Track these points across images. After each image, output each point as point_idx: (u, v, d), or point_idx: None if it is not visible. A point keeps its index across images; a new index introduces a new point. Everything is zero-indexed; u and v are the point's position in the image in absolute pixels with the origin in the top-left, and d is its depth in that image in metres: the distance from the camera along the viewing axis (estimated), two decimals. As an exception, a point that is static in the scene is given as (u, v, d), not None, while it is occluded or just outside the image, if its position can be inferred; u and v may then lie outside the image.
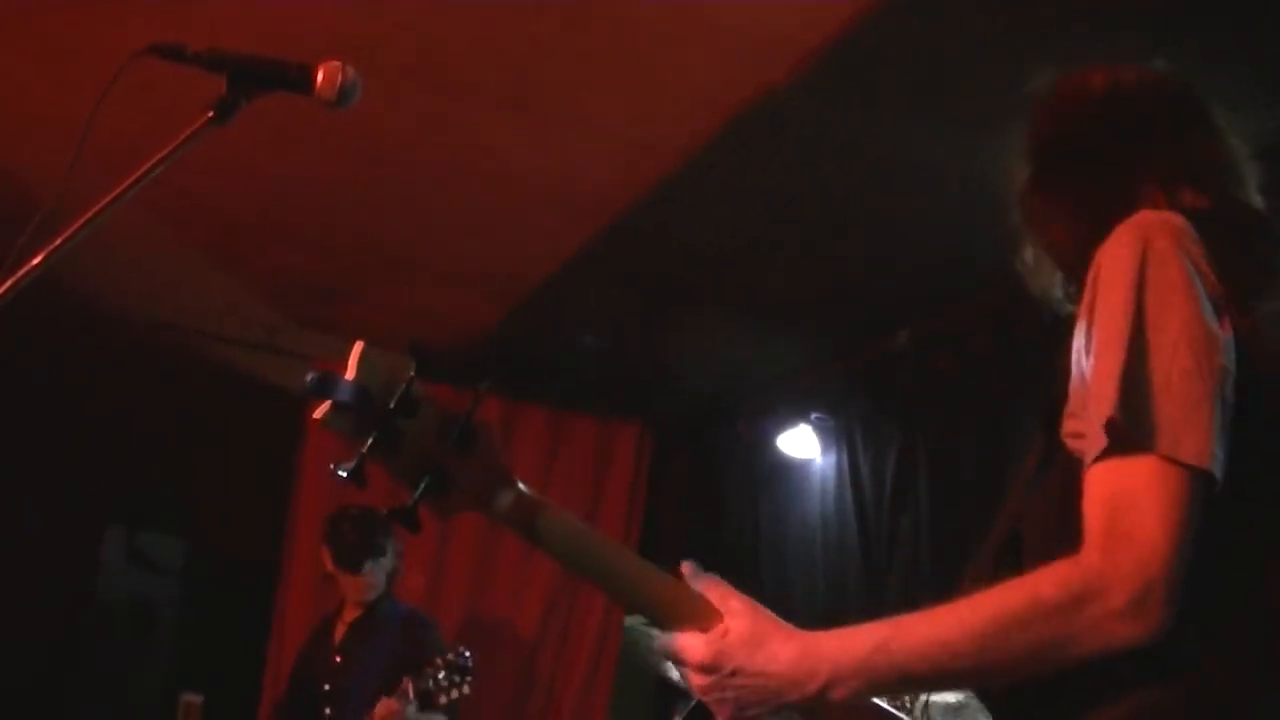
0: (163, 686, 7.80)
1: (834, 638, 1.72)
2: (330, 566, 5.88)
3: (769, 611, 1.80)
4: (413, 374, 1.78)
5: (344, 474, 1.73)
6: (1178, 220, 1.77)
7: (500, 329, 7.17)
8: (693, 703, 5.50)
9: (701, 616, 1.79)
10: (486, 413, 6.94)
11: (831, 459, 6.94)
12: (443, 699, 5.38)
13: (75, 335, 7.18)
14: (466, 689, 5.41)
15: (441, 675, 5.35)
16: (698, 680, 1.77)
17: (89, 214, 1.92)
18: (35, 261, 1.85)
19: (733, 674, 1.73)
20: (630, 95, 4.57)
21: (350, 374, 1.75)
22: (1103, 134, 2.00)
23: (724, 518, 7.82)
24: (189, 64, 1.98)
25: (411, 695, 5.32)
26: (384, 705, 5.36)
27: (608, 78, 4.47)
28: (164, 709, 7.53)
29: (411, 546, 7.47)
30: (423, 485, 1.76)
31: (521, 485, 1.85)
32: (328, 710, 5.73)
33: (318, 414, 1.72)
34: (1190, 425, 1.62)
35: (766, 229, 5.45)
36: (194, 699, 7.63)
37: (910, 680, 1.74)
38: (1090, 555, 1.61)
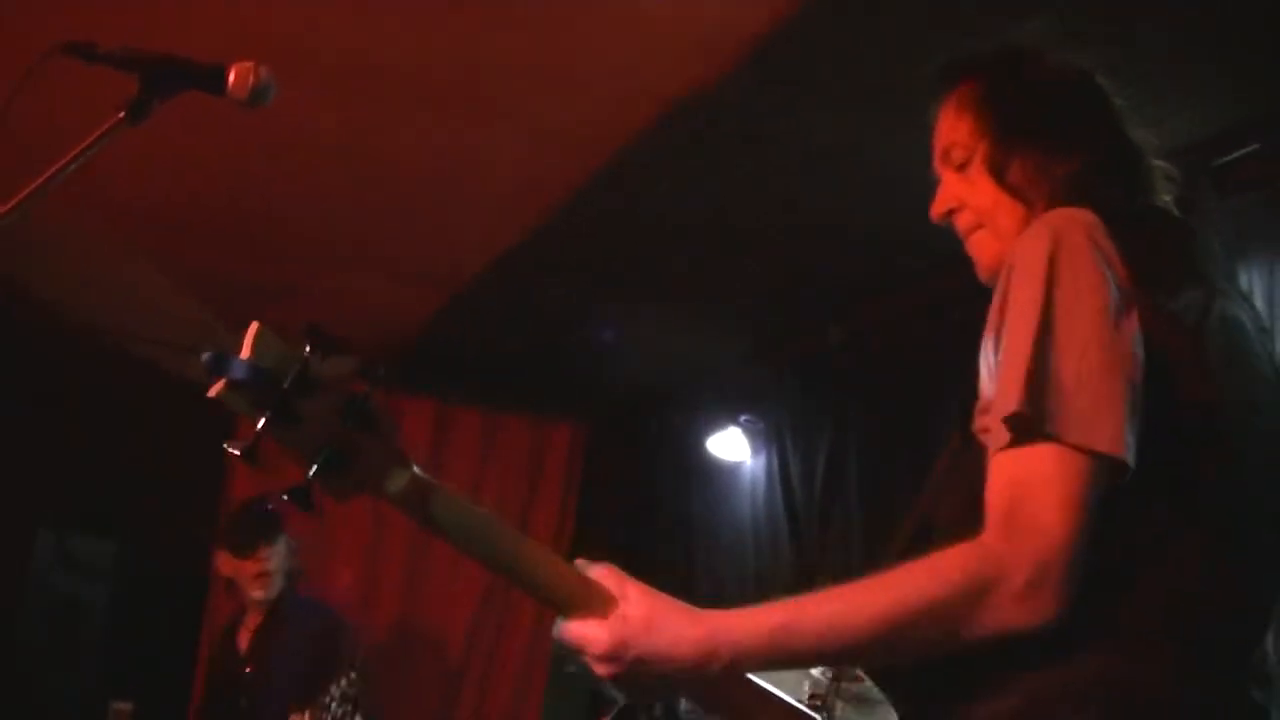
0: (92, 693, 7.70)
1: (736, 618, 1.73)
2: (227, 566, 5.74)
3: (667, 596, 1.80)
4: (308, 354, 1.75)
5: (237, 452, 1.71)
6: (1089, 216, 1.80)
7: (433, 325, 7.15)
8: (618, 706, 5.47)
9: (599, 603, 1.78)
10: (419, 415, 6.91)
11: (761, 460, 6.97)
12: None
13: (3, 337, 7.11)
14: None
15: (335, 705, 5.14)
16: (600, 669, 1.76)
17: (3, 209, 1.90)
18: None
19: (636, 660, 1.73)
20: (562, 89, 4.55)
21: (245, 353, 1.72)
22: (1040, 116, 2.04)
23: (658, 514, 7.84)
24: (99, 63, 1.97)
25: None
26: None
27: (539, 72, 4.46)
28: (93, 716, 7.46)
29: (344, 542, 7.43)
30: (318, 462, 1.74)
31: (416, 469, 1.83)
32: None
33: (213, 391, 1.70)
34: (1101, 415, 1.64)
35: (700, 223, 5.46)
36: (124, 706, 7.56)
37: (812, 659, 1.78)
38: (990, 539, 1.64)
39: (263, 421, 1.70)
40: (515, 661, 7.89)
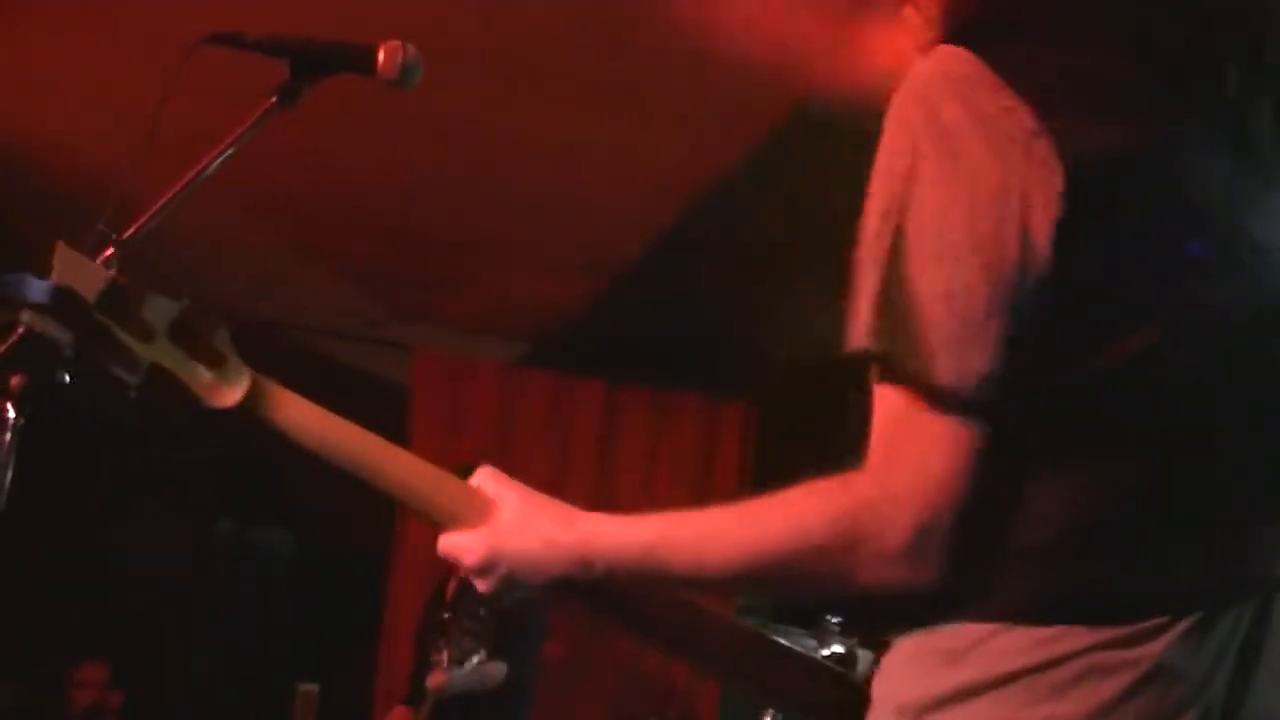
0: (279, 677, 7.88)
1: (612, 527, 1.57)
2: None
3: (544, 497, 1.65)
4: (115, 272, 1.67)
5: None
6: (966, 68, 1.40)
7: (595, 309, 7.16)
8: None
9: (477, 512, 1.64)
10: (589, 397, 6.82)
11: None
12: (475, 658, 5.33)
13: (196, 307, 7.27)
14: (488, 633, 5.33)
15: (467, 638, 5.31)
16: (480, 584, 1.63)
17: (161, 201, 1.91)
18: (108, 252, 1.84)
19: (510, 571, 1.60)
20: (713, 72, 4.52)
21: (53, 276, 1.64)
22: None
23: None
24: (249, 50, 1.97)
25: (446, 663, 5.33)
26: (433, 678, 5.39)
27: (689, 56, 4.43)
28: (281, 699, 7.63)
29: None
30: (138, 383, 1.64)
31: (256, 375, 1.71)
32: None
33: (23, 319, 1.60)
34: (966, 348, 1.34)
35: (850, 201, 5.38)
36: (310, 688, 7.72)
37: (689, 587, 1.65)
38: (863, 485, 1.38)
39: (73, 344, 1.61)
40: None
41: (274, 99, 1.94)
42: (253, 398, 1.70)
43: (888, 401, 1.39)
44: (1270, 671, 1.41)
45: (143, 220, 1.87)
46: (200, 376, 1.70)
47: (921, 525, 1.34)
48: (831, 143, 4.80)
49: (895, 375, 1.38)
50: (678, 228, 5.84)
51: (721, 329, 7.29)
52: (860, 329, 1.41)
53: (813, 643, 3.98)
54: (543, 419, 7.83)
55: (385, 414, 7.66)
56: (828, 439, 7.87)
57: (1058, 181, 1.35)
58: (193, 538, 8.30)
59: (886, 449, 1.38)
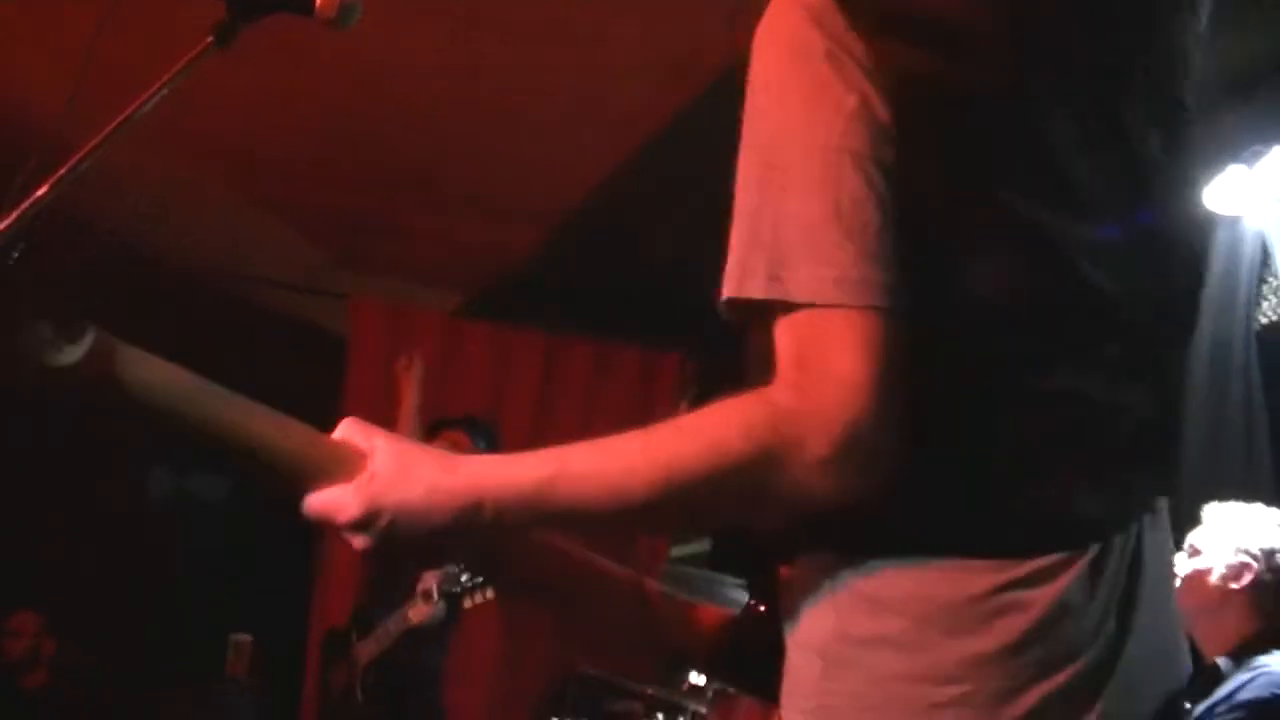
0: (211, 627, 7.86)
1: (500, 466, 1.46)
2: None
3: (420, 443, 1.53)
4: None
5: None
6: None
7: (537, 258, 7.13)
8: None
9: (347, 466, 1.48)
10: (529, 347, 6.79)
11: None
12: (467, 603, 5.20)
13: (119, 282, 7.19)
14: (490, 594, 5.08)
15: (465, 577, 5.10)
16: (357, 541, 1.47)
17: (93, 142, 1.88)
18: (40, 191, 1.81)
19: (390, 524, 1.44)
20: (662, 12, 4.50)
21: None
22: None
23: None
24: (184, -15, 1.95)
25: (436, 596, 5.20)
26: (416, 611, 5.27)
27: (626, 11, 4.42)
28: (215, 648, 7.61)
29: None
30: None
31: (98, 330, 1.44)
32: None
33: None
34: (864, 257, 1.33)
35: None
36: (244, 638, 7.70)
37: (590, 524, 1.51)
38: (781, 396, 1.35)
39: None
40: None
41: (210, 38, 1.91)
42: (96, 358, 1.44)
43: (793, 329, 1.36)
44: (1147, 607, 1.44)
45: (72, 162, 1.84)
46: (27, 337, 1.41)
47: (844, 430, 1.31)
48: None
49: (798, 303, 1.35)
50: (619, 177, 5.82)
51: (661, 280, 7.28)
52: (745, 273, 1.39)
53: (745, 595, 4.01)
54: (481, 369, 7.82)
55: (322, 363, 7.63)
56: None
57: (884, 102, 1.37)
58: (127, 486, 8.23)
59: (799, 363, 1.35)
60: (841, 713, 1.39)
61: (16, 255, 1.54)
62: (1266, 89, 4.46)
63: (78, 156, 1.85)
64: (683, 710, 4.59)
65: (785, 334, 1.37)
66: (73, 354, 1.40)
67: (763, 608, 1.69)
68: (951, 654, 1.35)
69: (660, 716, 4.72)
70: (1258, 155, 4.54)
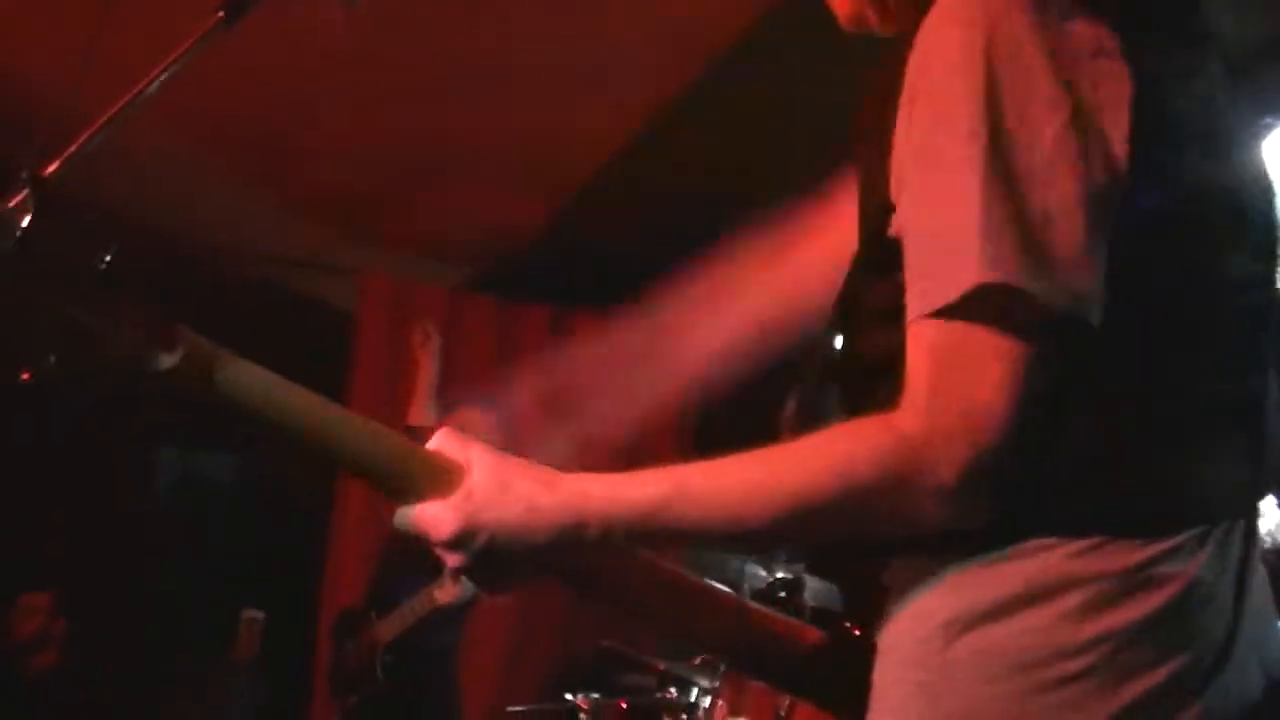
0: (223, 604, 7.85)
1: (604, 487, 1.43)
2: None
3: (519, 458, 1.48)
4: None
5: None
6: None
7: (542, 235, 7.10)
8: None
9: (443, 478, 1.46)
10: (536, 322, 6.79)
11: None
12: None
13: (122, 262, 7.16)
14: None
15: None
16: (452, 560, 1.45)
17: (97, 124, 1.85)
18: (50, 169, 1.78)
19: (488, 543, 1.42)
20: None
21: None
22: None
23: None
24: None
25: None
26: (444, 591, 5.25)
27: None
28: (225, 626, 7.60)
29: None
30: (47, 357, 1.41)
31: (191, 334, 1.47)
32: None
33: None
34: (1080, 267, 1.29)
35: (827, 111, 5.33)
36: (255, 615, 7.70)
37: (694, 542, 1.53)
38: (909, 422, 1.32)
39: None
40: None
41: (220, 14, 1.88)
42: (192, 362, 1.46)
43: (931, 337, 1.33)
44: (1256, 592, 1.44)
45: (78, 144, 1.81)
46: (123, 338, 1.46)
47: (974, 460, 1.30)
48: (793, 57, 4.79)
49: (1018, 307, 1.29)
50: (629, 149, 5.77)
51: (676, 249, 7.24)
52: (976, 259, 1.30)
53: (760, 570, 3.98)
54: (488, 344, 7.80)
55: (329, 339, 7.61)
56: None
57: (1127, 97, 1.34)
58: (136, 465, 8.23)
59: (932, 385, 1.32)
60: (963, 682, 1.37)
61: (108, 261, 1.50)
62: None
63: (82, 139, 1.82)
64: (694, 684, 4.58)
65: (923, 342, 1.34)
66: (169, 360, 1.43)
67: (856, 631, 1.69)
68: (1086, 629, 1.33)
69: (673, 690, 4.71)
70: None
